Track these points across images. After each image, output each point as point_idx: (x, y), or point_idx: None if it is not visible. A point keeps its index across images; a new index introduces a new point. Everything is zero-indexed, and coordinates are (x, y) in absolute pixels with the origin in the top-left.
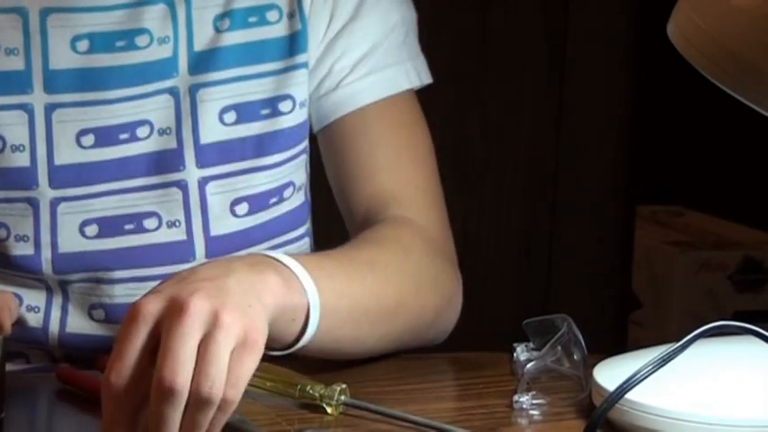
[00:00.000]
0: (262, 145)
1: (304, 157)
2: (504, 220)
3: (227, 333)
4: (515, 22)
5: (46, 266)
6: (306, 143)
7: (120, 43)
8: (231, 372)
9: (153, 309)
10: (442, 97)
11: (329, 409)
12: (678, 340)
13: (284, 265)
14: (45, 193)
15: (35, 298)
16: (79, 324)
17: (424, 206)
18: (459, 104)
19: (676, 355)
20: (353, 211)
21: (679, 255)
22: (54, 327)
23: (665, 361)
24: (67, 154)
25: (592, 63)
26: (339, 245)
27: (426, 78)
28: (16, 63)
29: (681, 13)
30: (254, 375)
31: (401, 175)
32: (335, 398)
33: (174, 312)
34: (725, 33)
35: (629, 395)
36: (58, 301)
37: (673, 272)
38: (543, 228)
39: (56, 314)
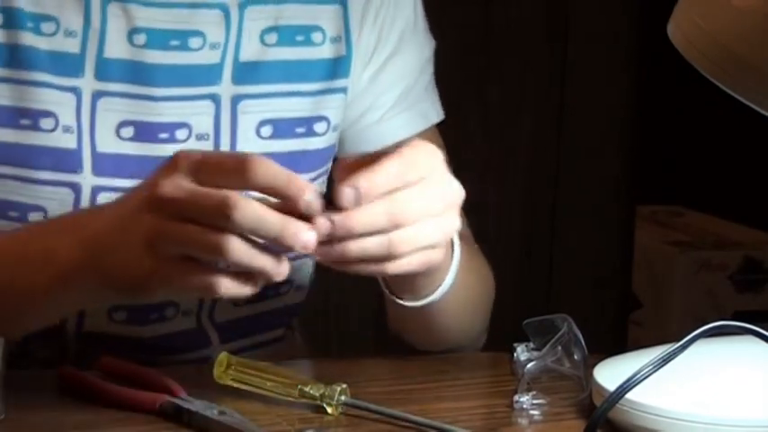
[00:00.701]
0: (292, 163)
1: (324, 179)
2: (504, 220)
3: (441, 234)
4: (516, 24)
5: None
6: (329, 165)
7: (174, 42)
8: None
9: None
10: (443, 98)
11: (329, 409)
12: (678, 340)
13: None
14: (88, 179)
15: None
16: (97, 324)
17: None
18: (461, 105)
19: (677, 355)
20: None
21: (679, 255)
22: (71, 327)
23: (665, 361)
24: (107, 143)
25: (593, 64)
26: None
27: (441, 113)
28: (72, 46)
29: (681, 14)
30: (255, 375)
31: None
32: (336, 398)
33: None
34: (725, 34)
35: (629, 395)
36: None
37: (673, 272)
38: (544, 229)
39: (73, 314)
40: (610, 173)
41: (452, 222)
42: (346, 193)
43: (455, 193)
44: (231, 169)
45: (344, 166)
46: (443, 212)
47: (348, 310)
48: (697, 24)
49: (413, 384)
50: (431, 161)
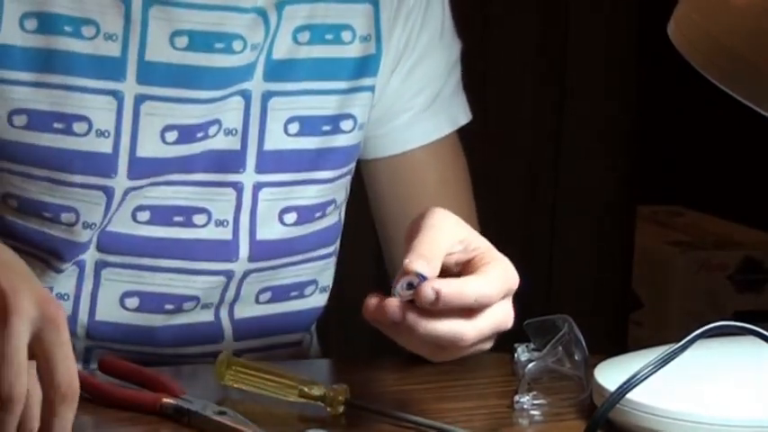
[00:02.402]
0: (318, 159)
1: (349, 178)
2: (504, 221)
3: None
4: (515, 25)
5: (92, 245)
6: (354, 164)
7: (218, 45)
8: None
9: None
10: None
11: (329, 410)
12: (678, 340)
13: None
14: (122, 183)
15: (64, 285)
16: (109, 312)
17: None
18: None
19: (677, 356)
20: None
21: (679, 255)
22: (83, 315)
23: (665, 361)
24: (150, 147)
25: (592, 63)
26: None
27: (469, 114)
28: (113, 49)
29: (681, 13)
30: (255, 376)
31: (464, 202)
32: (336, 398)
33: None
34: (725, 33)
35: (629, 395)
36: (87, 288)
37: (673, 272)
38: (544, 229)
39: (85, 302)
40: (609, 172)
41: (489, 345)
42: (427, 292)
43: (506, 322)
44: None
45: (413, 233)
46: (488, 340)
47: (348, 310)
48: (696, 23)
49: (413, 385)
50: (499, 290)
